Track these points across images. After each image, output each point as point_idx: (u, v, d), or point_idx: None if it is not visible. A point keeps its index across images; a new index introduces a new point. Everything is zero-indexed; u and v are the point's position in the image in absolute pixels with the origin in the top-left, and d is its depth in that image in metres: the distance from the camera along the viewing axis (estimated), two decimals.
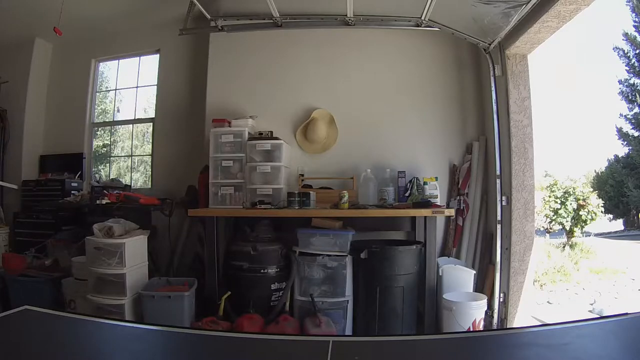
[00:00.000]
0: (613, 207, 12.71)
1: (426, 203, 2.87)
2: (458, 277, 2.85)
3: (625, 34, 12.39)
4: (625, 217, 13.32)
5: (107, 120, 4.64)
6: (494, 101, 2.98)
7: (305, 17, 3.07)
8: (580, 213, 7.23)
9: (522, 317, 2.85)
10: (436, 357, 1.10)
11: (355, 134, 3.38)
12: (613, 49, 12.69)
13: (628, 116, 12.52)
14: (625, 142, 12.66)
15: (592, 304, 4.21)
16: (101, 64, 4.35)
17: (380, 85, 3.44)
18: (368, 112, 3.41)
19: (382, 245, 2.76)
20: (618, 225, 13.24)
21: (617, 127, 12.74)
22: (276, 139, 3.15)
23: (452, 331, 2.51)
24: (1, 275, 3.09)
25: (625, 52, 12.43)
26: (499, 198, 2.92)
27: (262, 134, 3.21)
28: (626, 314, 1.20)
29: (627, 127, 12.50)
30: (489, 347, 1.14)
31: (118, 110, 4.44)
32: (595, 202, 7.36)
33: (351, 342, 1.31)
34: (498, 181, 2.94)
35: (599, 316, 3.22)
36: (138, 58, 4.16)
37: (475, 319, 2.58)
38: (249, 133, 3.22)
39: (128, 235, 2.76)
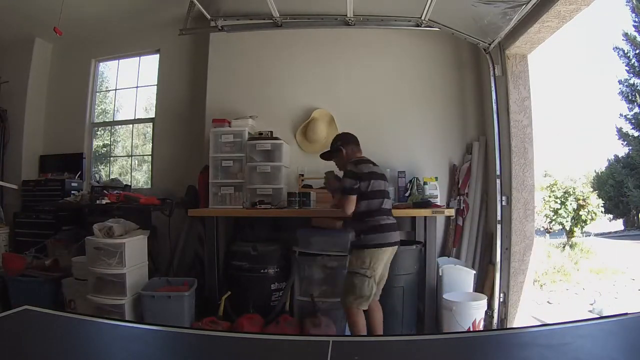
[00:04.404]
0: (613, 207, 12.71)
1: (426, 203, 2.87)
2: (458, 277, 2.85)
3: (625, 34, 12.39)
4: (625, 217, 13.32)
5: (107, 120, 4.64)
6: (494, 101, 2.98)
7: (305, 17, 3.07)
8: (580, 213, 7.23)
9: (522, 317, 2.85)
10: (436, 357, 1.10)
11: (355, 134, 3.37)
12: (613, 49, 12.70)
13: (628, 116, 12.52)
14: (625, 142, 12.66)
15: (592, 304, 4.20)
16: (101, 64, 4.35)
17: (380, 85, 3.44)
18: (368, 112, 3.41)
19: None
20: (618, 225, 13.25)
21: (617, 127, 12.75)
22: (276, 139, 3.15)
23: (452, 331, 2.51)
24: (1, 275, 3.09)
25: (625, 52, 12.42)
26: (499, 198, 2.91)
27: (262, 134, 3.21)
28: (626, 314, 1.20)
29: (627, 127, 12.51)
30: (489, 347, 1.14)
31: (118, 111, 4.45)
32: (595, 202, 7.36)
33: (351, 342, 1.31)
34: (498, 181, 2.94)
35: (599, 316, 3.22)
36: (138, 58, 4.16)
37: (475, 319, 2.58)
38: (249, 133, 3.22)
39: (128, 235, 2.76)
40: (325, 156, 2.62)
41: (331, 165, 2.64)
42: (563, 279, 5.43)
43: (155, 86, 3.98)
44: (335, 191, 2.56)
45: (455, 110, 3.40)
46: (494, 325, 2.81)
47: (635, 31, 12.23)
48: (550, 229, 7.65)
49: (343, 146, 2.51)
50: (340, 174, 2.53)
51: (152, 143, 4.00)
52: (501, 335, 1.35)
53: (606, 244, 8.22)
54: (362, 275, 2.25)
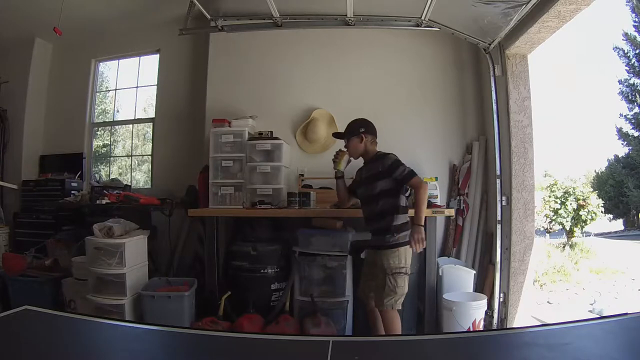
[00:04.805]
0: (613, 207, 12.71)
1: None
2: (458, 277, 2.85)
3: (625, 34, 12.40)
4: (625, 217, 13.32)
5: (107, 120, 4.64)
6: (494, 101, 2.98)
7: (305, 17, 3.06)
8: (580, 213, 7.22)
9: (522, 317, 2.85)
10: (436, 357, 1.10)
11: None
12: (613, 49, 12.71)
13: (628, 116, 12.53)
14: (625, 142, 12.67)
15: (592, 304, 4.21)
16: (101, 64, 4.35)
17: (380, 85, 3.43)
18: (368, 112, 3.35)
19: None
20: (618, 225, 13.25)
21: (617, 127, 12.77)
22: (276, 139, 3.15)
23: (452, 331, 2.51)
24: (1, 275, 3.08)
25: (625, 52, 12.44)
26: (499, 198, 2.92)
27: (262, 134, 3.20)
28: (626, 314, 1.20)
29: (627, 127, 12.52)
30: (489, 347, 1.14)
31: (118, 111, 4.45)
32: (595, 202, 7.35)
33: (351, 342, 1.31)
34: (498, 181, 2.94)
35: (599, 316, 3.22)
36: (138, 58, 4.16)
37: (475, 319, 2.58)
38: (249, 133, 3.22)
39: (128, 235, 2.76)
40: (340, 136, 2.48)
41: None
42: (563, 279, 5.43)
43: (155, 86, 3.98)
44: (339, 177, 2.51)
45: (455, 110, 3.40)
46: (494, 325, 2.81)
47: (635, 31, 12.26)
48: (550, 229, 7.64)
49: (366, 134, 2.37)
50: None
51: (152, 143, 4.00)
52: (501, 335, 1.35)
53: (606, 244, 8.23)
54: (404, 274, 2.22)
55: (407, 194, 3.06)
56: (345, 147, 2.45)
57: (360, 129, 2.39)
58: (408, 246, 2.24)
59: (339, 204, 2.66)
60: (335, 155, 2.49)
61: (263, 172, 3.11)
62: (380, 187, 2.28)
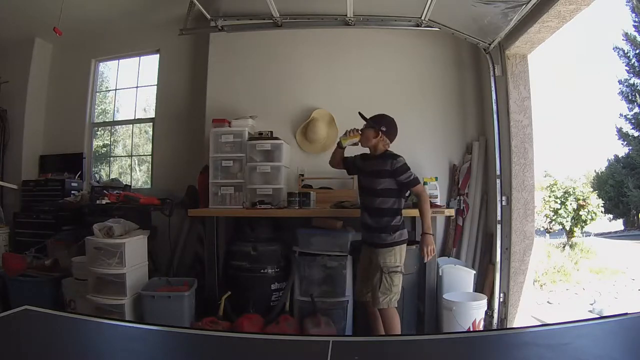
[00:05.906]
0: (613, 207, 12.70)
1: None
2: (458, 277, 2.85)
3: (625, 34, 12.40)
4: (625, 217, 13.32)
5: (107, 120, 4.64)
6: (494, 101, 2.98)
7: (305, 17, 3.07)
8: (580, 213, 7.22)
9: (522, 317, 2.85)
10: (436, 357, 1.10)
11: None
12: (613, 49, 12.71)
13: (628, 116, 12.53)
14: (625, 142, 12.67)
15: (592, 304, 4.21)
16: (101, 64, 4.34)
17: (380, 85, 3.43)
18: (368, 112, 3.37)
19: None
20: (618, 225, 13.24)
21: (617, 127, 12.76)
22: (276, 139, 3.15)
23: (452, 331, 2.51)
24: (1, 275, 3.08)
25: (625, 52, 12.44)
26: (499, 198, 2.92)
27: (262, 134, 3.20)
28: (626, 314, 1.20)
29: (627, 127, 12.52)
30: (489, 347, 1.14)
31: (118, 111, 4.45)
32: (595, 202, 7.35)
33: (351, 342, 1.31)
34: (498, 181, 2.94)
35: (599, 316, 3.22)
36: (138, 58, 4.15)
37: (475, 319, 2.58)
38: (249, 133, 3.22)
39: (128, 235, 2.76)
40: (364, 118, 2.45)
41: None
42: (563, 279, 5.43)
43: (155, 86, 3.98)
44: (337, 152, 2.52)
45: (455, 110, 3.40)
46: (494, 325, 2.81)
47: (635, 31, 12.25)
48: (550, 229, 7.64)
49: (384, 134, 2.39)
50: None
51: (152, 143, 4.00)
52: (501, 335, 1.35)
53: (606, 244, 8.23)
54: (399, 272, 2.28)
55: (407, 194, 3.07)
56: (360, 130, 2.45)
57: (382, 127, 2.41)
58: (403, 245, 2.31)
59: (330, 162, 2.62)
60: (349, 131, 2.46)
61: (263, 172, 3.11)
62: (382, 184, 2.31)
